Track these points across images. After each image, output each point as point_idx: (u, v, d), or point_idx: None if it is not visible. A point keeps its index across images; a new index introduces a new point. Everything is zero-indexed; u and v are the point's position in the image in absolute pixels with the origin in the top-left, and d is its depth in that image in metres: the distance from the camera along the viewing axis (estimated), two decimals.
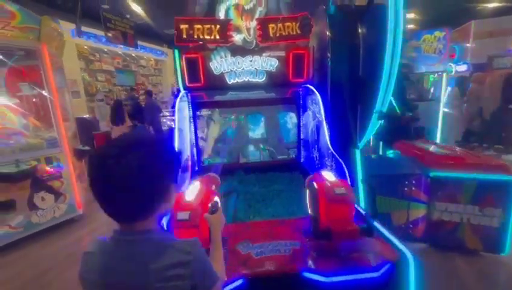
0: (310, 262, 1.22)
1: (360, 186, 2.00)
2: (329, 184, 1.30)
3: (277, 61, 2.37)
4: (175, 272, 0.65)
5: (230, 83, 2.40)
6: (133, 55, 9.28)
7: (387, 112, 2.01)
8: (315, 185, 1.33)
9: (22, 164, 2.92)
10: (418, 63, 4.93)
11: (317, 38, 2.45)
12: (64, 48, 3.81)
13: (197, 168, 2.63)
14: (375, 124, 2.07)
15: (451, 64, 5.51)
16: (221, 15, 2.39)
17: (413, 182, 2.50)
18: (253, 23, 2.36)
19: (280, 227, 1.55)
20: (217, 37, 2.29)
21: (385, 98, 1.92)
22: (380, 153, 3.56)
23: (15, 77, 3.36)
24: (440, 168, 2.40)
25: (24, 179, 2.93)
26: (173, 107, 2.24)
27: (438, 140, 4.93)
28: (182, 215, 1.14)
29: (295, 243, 1.36)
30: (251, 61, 2.36)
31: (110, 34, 5.48)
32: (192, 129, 2.57)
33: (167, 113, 7.44)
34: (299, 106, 2.66)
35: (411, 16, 7.53)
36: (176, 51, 2.29)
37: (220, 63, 2.35)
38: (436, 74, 5.36)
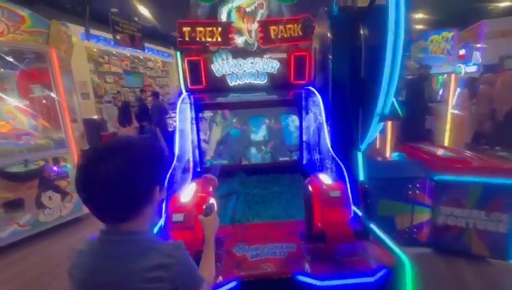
0: (305, 265, 1.21)
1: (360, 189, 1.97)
2: (324, 187, 1.29)
3: (278, 63, 2.37)
4: (156, 274, 0.66)
5: (231, 85, 2.42)
6: (141, 57, 9.44)
7: (389, 113, 1.97)
8: (310, 188, 1.32)
9: (30, 164, 3.01)
10: (425, 65, 4.83)
11: (319, 39, 2.44)
12: (72, 51, 3.91)
13: (199, 170, 2.65)
14: (377, 127, 2.04)
15: (461, 65, 5.39)
16: (223, 17, 2.40)
17: (418, 185, 2.45)
18: (255, 26, 2.37)
19: (277, 229, 1.55)
20: (219, 39, 2.30)
21: (387, 100, 1.89)
22: (387, 155, 3.51)
23: (26, 79, 3.47)
24: (445, 171, 2.35)
25: (32, 179, 3.02)
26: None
27: (446, 143, 4.82)
28: (177, 217, 1.15)
29: (291, 246, 1.35)
30: (252, 63, 2.36)
31: (118, 37, 5.59)
32: (195, 131, 2.59)
33: (174, 115, 7.52)
34: (301, 107, 2.65)
35: (419, 15, 7.40)
36: (178, 54, 2.32)
37: (222, 65, 2.37)
38: (445, 75, 5.25)
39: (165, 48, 10.55)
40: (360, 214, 1.49)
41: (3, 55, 3.19)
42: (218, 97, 2.51)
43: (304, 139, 2.73)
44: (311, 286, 1.13)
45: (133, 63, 9.21)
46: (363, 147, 2.23)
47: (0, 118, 3.10)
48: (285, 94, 2.53)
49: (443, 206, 2.37)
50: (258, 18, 2.39)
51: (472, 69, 5.66)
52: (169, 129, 6.73)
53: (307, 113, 2.61)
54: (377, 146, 5.01)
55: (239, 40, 2.42)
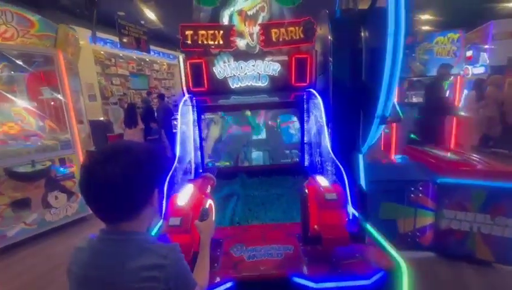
0: (301, 267, 1.22)
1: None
2: (321, 189, 1.29)
3: (279, 65, 2.38)
4: (150, 273, 0.68)
5: (233, 87, 2.43)
6: (147, 59, 9.57)
7: (390, 116, 1.96)
8: (306, 190, 1.33)
9: (37, 164, 3.08)
10: (429, 66, 4.77)
11: (321, 42, 2.44)
12: (80, 54, 4.00)
13: (201, 171, 2.67)
14: (377, 129, 2.03)
15: (468, 66, 5.31)
16: (225, 21, 2.43)
17: (421, 188, 2.42)
18: (256, 28, 2.39)
19: (276, 231, 1.55)
20: (221, 42, 2.33)
21: (387, 103, 1.88)
22: (392, 157, 3.47)
23: (35, 81, 3.57)
24: (448, 174, 2.32)
25: (39, 179, 3.09)
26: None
27: (452, 145, 4.74)
28: (174, 221, 1.17)
29: (288, 248, 1.35)
30: (253, 65, 2.38)
31: (124, 40, 5.70)
32: (197, 132, 2.62)
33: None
34: (302, 110, 2.65)
35: (425, 17, 7.32)
36: (180, 56, 2.36)
37: (223, 68, 2.39)
38: (451, 77, 5.17)
39: (171, 50, 10.67)
40: (357, 216, 1.48)
41: (13, 59, 3.29)
42: (220, 99, 2.53)
43: (305, 141, 2.73)
44: (307, 288, 1.13)
45: (139, 66, 9.35)
46: (363, 149, 2.22)
47: (9, 120, 3.20)
48: (287, 96, 2.54)
49: (446, 210, 2.34)
50: (260, 21, 2.40)
51: (479, 70, 5.57)
52: (174, 131, 6.80)
53: (308, 115, 2.62)
54: (382, 147, 4.96)
55: (240, 43, 2.44)
